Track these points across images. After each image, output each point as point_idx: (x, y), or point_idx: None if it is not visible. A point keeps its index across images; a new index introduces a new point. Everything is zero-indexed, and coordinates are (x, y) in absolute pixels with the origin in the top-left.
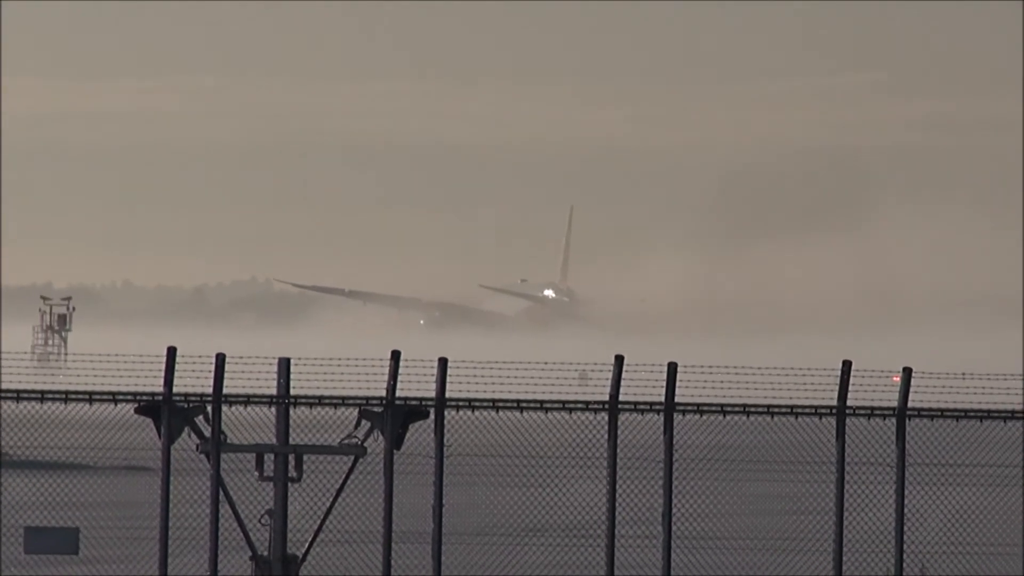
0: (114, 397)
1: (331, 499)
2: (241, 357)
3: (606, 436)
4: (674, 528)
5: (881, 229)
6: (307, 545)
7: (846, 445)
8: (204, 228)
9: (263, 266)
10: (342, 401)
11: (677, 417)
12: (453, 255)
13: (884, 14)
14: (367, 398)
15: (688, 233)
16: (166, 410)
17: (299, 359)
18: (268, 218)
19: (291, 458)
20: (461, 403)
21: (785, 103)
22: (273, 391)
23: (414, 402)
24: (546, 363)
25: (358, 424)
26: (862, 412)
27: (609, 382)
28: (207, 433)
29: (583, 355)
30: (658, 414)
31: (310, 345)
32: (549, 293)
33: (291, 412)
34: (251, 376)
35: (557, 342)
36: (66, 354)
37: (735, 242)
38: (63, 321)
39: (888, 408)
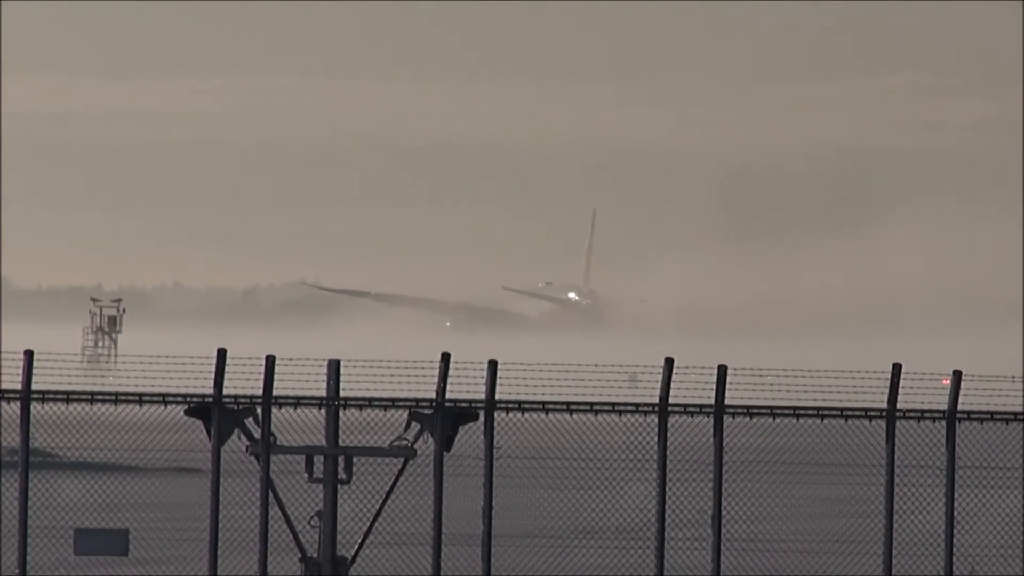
0: (164, 399)
1: (381, 501)
2: (291, 359)
3: (656, 438)
4: (724, 530)
5: (937, 229)
6: (356, 547)
7: (896, 448)
8: (255, 229)
9: (301, 269)
10: (392, 403)
11: (727, 419)
12: (475, 257)
13: (918, 14)
14: (417, 400)
15: (706, 234)
16: (216, 412)
17: (349, 361)
18: (309, 220)
19: (341, 460)
20: (511, 405)
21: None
22: (321, 393)
23: (464, 404)
24: (596, 365)
25: (408, 426)
26: (912, 415)
27: (658, 385)
28: (257, 435)
29: (609, 357)
30: (708, 416)
31: (336, 347)
32: (572, 296)
33: (340, 414)
34: (300, 378)
35: (583, 343)
36: (116, 356)
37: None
38: (113, 323)
39: (938, 411)
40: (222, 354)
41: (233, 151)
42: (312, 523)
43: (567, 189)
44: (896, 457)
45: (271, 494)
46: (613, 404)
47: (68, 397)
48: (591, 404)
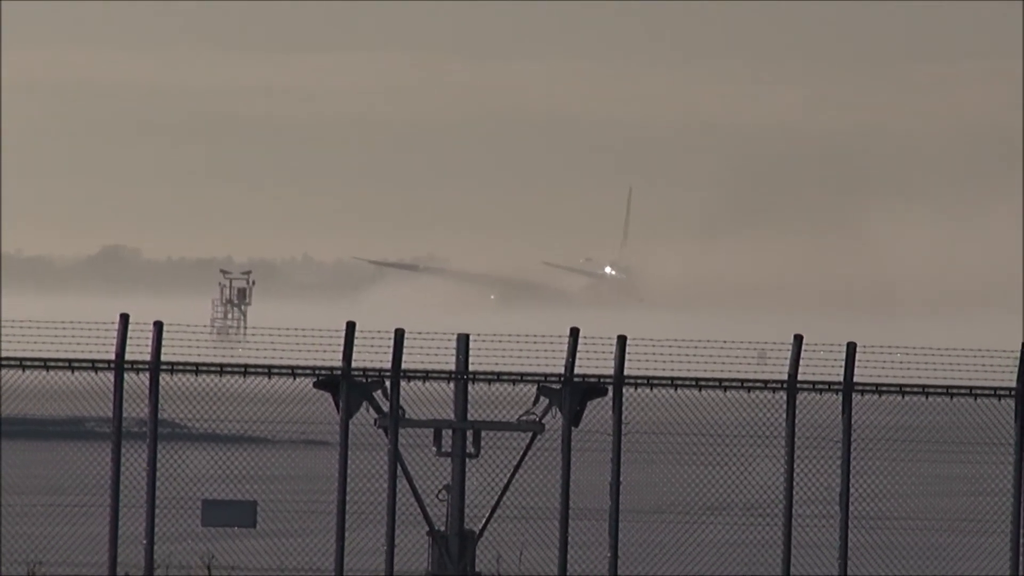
0: (293, 371)
1: (509, 475)
2: (420, 332)
3: (784, 415)
4: (851, 507)
5: None
6: (484, 521)
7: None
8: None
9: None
10: (520, 378)
11: (855, 397)
12: (515, 232)
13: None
14: (546, 375)
15: (727, 215)
16: (345, 385)
17: (477, 335)
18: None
19: (469, 434)
20: (640, 381)
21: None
22: (448, 367)
23: (593, 379)
24: (724, 342)
25: (536, 401)
26: None
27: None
28: (385, 408)
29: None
30: (836, 394)
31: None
32: (609, 271)
33: (468, 388)
34: (428, 351)
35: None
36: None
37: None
38: (243, 295)
39: None
40: (351, 327)
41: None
42: (440, 497)
43: (605, 166)
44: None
45: (399, 467)
46: (742, 380)
47: (197, 369)
48: (720, 380)
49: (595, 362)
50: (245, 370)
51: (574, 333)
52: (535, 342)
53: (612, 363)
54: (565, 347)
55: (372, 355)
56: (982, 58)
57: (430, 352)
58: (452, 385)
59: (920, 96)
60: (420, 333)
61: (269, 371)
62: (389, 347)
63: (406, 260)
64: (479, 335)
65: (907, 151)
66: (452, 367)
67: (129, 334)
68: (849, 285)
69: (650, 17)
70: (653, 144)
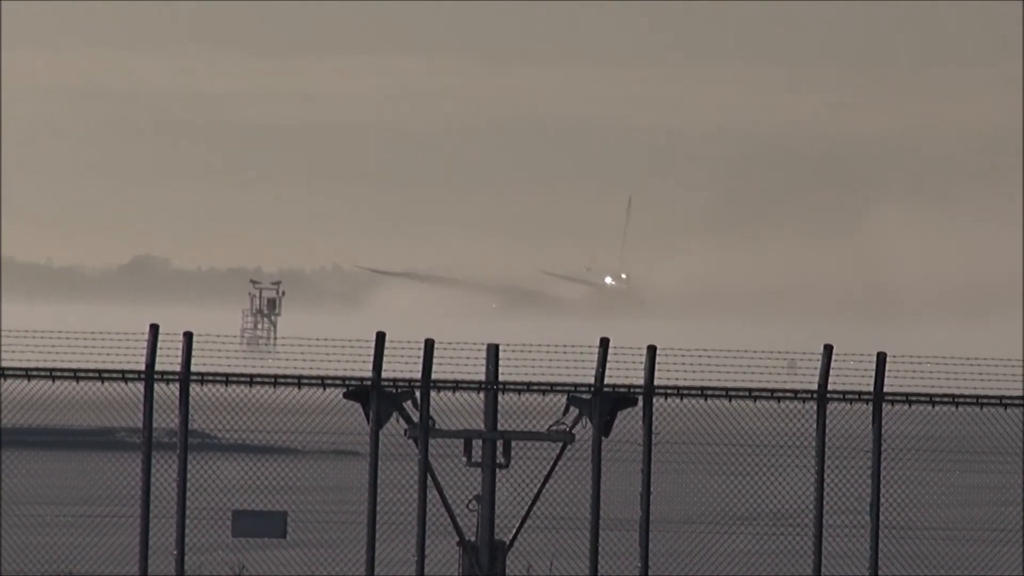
0: (323, 381)
1: (539, 485)
2: (449, 343)
3: (814, 425)
4: (882, 517)
5: None
6: (514, 531)
7: None
8: (412, 209)
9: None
10: (550, 387)
11: (885, 407)
12: (513, 240)
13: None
14: (576, 385)
15: (735, 218)
16: (375, 395)
17: (507, 345)
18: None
19: (499, 444)
20: (669, 391)
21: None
22: (478, 377)
23: (623, 389)
24: (753, 352)
25: (566, 411)
26: None
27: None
28: (415, 418)
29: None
30: (867, 404)
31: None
32: (608, 280)
33: (498, 398)
34: (458, 362)
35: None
36: (275, 338)
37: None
38: (273, 305)
39: None
40: (381, 337)
41: (392, 134)
42: (470, 507)
43: (606, 173)
44: None
45: (429, 477)
46: (772, 390)
47: (227, 379)
48: (750, 390)
49: (624, 372)
50: (275, 380)
51: (604, 343)
52: (564, 352)
53: (630, 372)
54: (570, 356)
55: (402, 366)
56: (989, 62)
57: (451, 362)
58: (482, 395)
59: (927, 100)
60: (449, 343)
61: (299, 381)
62: (407, 358)
63: (405, 268)
64: (508, 345)
65: (913, 153)
66: (480, 377)
67: (159, 344)
68: (867, 291)
69: (654, 19)
70: (656, 150)
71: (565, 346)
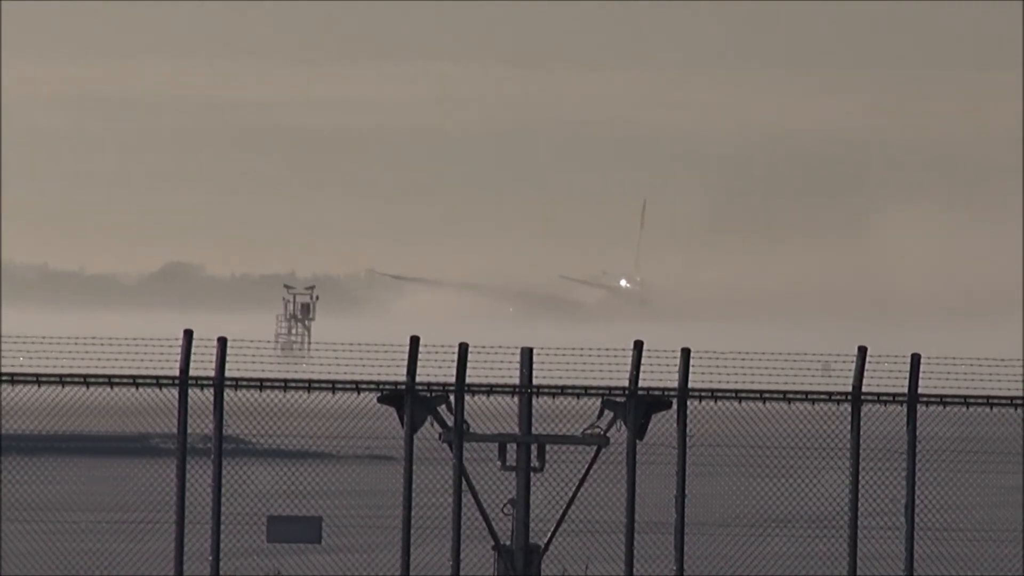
0: (357, 386)
1: (574, 489)
2: (483, 347)
3: (848, 427)
4: (916, 519)
5: None
6: (550, 535)
7: None
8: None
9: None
10: (585, 391)
11: (920, 408)
12: (531, 244)
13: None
14: (610, 388)
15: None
16: (409, 399)
17: (541, 349)
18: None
19: (534, 448)
20: (704, 393)
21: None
22: (512, 381)
23: (657, 392)
24: (788, 354)
25: (601, 414)
26: None
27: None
28: (450, 422)
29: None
30: (901, 405)
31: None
32: (624, 283)
33: (533, 402)
34: (492, 366)
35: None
36: (309, 343)
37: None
38: (306, 310)
39: None
40: (415, 341)
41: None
42: (505, 511)
43: (620, 177)
44: None
45: (464, 482)
46: (806, 392)
47: (261, 384)
48: (784, 392)
49: (657, 375)
50: (309, 385)
51: (638, 346)
52: (597, 355)
53: (664, 376)
54: (596, 359)
55: (437, 370)
56: (990, 64)
57: (484, 366)
58: (516, 399)
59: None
60: (483, 348)
61: (333, 386)
62: (440, 362)
63: (420, 272)
64: (542, 348)
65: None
66: (512, 381)
67: (193, 350)
68: (890, 293)
69: (670, 24)
70: (671, 155)
71: (598, 349)
